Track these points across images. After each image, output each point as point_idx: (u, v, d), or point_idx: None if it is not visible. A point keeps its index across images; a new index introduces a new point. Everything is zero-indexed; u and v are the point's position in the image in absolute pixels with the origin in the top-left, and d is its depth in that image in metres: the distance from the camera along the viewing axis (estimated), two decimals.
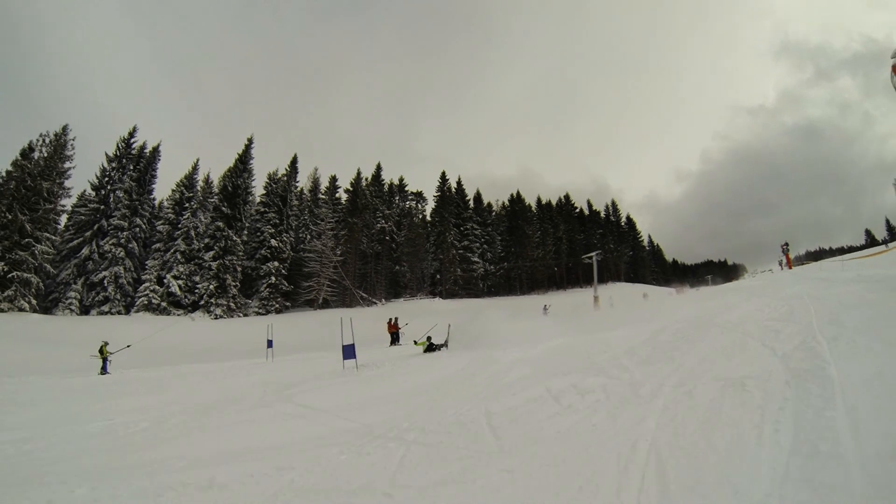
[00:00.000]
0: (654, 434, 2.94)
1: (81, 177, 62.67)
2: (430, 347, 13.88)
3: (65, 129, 37.05)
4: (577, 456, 2.84)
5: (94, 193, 39.37)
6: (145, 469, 4.07)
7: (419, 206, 60.00)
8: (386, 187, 57.39)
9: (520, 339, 12.13)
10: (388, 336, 19.16)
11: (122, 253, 38.03)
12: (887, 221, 76.69)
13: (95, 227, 37.90)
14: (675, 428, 3.00)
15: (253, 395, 8.09)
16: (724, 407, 3.23)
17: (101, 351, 15.47)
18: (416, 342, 14.57)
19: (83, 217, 38.11)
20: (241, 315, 40.02)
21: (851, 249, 79.46)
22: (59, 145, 36.13)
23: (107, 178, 40.02)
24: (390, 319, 19.83)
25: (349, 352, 10.72)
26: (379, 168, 57.23)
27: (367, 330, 24.09)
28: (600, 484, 2.36)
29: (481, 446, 3.47)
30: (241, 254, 41.94)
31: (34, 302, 32.51)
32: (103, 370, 15.07)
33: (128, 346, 17.62)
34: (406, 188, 59.73)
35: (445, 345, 14.47)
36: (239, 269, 41.17)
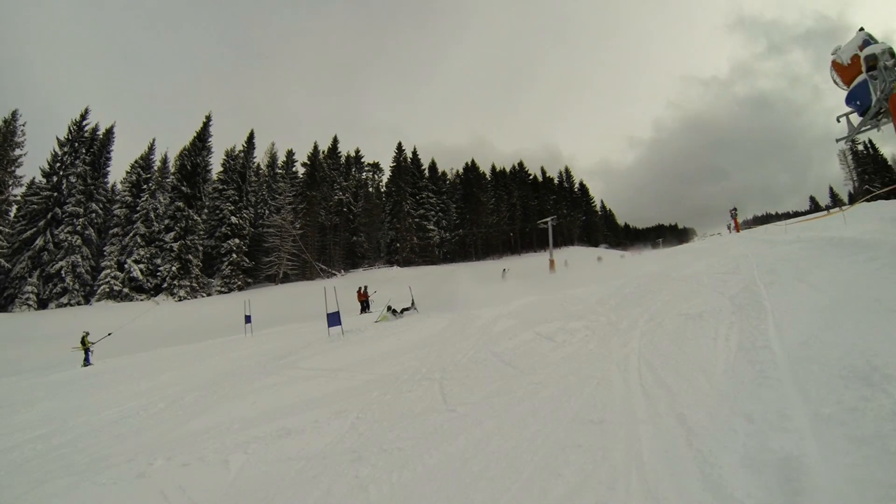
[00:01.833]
0: (639, 349, 4.05)
1: (31, 165, 58.57)
2: (395, 312, 14.52)
3: (14, 114, 35.26)
4: (586, 369, 3.89)
5: (45, 180, 37.71)
6: (205, 435, 4.30)
7: (376, 176, 60.86)
8: (343, 159, 58.04)
9: (489, 300, 13.16)
10: (358, 305, 19.95)
11: (79, 241, 36.92)
12: (831, 189, 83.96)
13: (49, 215, 36.43)
14: (654, 345, 4.12)
15: (252, 367, 8.45)
16: (688, 330, 4.37)
17: (82, 342, 15.40)
18: (376, 322, 14.16)
19: (35, 206, 36.39)
20: (204, 295, 40.07)
21: (797, 214, 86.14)
22: (9, 132, 34.45)
23: (59, 164, 38.39)
24: (360, 288, 20.65)
25: (334, 319, 11.35)
26: (336, 141, 58.08)
27: (330, 300, 24.75)
28: (611, 380, 3.41)
29: (503, 373, 4.44)
30: (201, 233, 41.51)
31: None
32: (86, 362, 15.05)
33: (109, 335, 17.68)
34: (362, 160, 60.53)
35: (414, 307, 15.33)
36: (200, 248, 40.76)
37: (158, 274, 38.87)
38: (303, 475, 2.84)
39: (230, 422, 4.64)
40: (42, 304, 34.69)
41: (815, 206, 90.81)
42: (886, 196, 8.95)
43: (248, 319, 17.68)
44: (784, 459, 1.76)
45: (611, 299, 8.12)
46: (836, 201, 75.56)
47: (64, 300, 35.22)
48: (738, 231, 39.23)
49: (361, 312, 19.16)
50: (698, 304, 5.66)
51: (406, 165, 62.05)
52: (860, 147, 61.44)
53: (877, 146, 60.55)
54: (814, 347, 2.89)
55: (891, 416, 1.82)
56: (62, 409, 7.53)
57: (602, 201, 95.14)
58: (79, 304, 35.53)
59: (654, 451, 2.15)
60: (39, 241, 35.62)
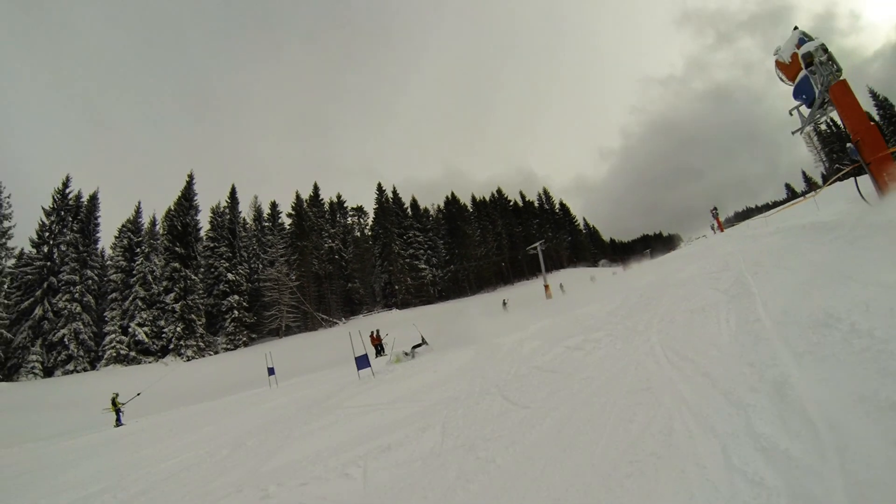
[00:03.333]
0: (659, 341, 5.05)
1: (19, 236, 59.73)
2: (405, 353, 15.19)
3: None
4: (621, 361, 4.86)
5: (35, 251, 38.89)
6: (300, 464, 4.61)
7: (361, 220, 62.29)
8: (326, 206, 59.48)
9: (502, 330, 13.85)
10: (373, 349, 20.75)
11: (78, 308, 38.15)
12: (804, 173, 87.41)
13: (45, 284, 37.61)
14: (670, 336, 5.12)
15: (297, 411, 8.74)
16: (695, 321, 5.38)
17: (113, 403, 15.97)
18: (389, 363, 14.56)
19: (30, 276, 37.55)
20: (211, 353, 41.01)
21: (776, 204, 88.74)
22: None
23: (48, 233, 39.69)
24: (372, 332, 21.54)
25: (363, 362, 12.05)
26: (317, 188, 60.32)
27: (341, 348, 25.53)
28: (645, 364, 4.39)
29: (552, 378, 5.33)
30: (200, 292, 42.38)
31: None
32: (118, 422, 15.57)
33: (138, 395, 18.30)
34: (345, 205, 62.10)
35: (425, 342, 16.03)
36: (202, 307, 41.55)
37: (163, 336, 40.19)
38: (428, 468, 3.62)
39: (317, 452, 5.00)
40: (48, 373, 35.40)
41: (791, 194, 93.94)
42: (857, 172, 10.21)
43: (271, 371, 18.41)
44: (775, 381, 2.76)
45: (620, 311, 9.04)
46: (810, 185, 78.46)
47: (69, 367, 36.01)
48: (721, 230, 40.55)
49: (377, 356, 19.94)
50: (699, 300, 6.66)
51: (389, 206, 63.95)
52: (823, 127, 64.67)
53: (839, 124, 63.72)
54: (791, 313, 3.93)
55: (840, 342, 2.84)
56: (113, 465, 7.82)
57: (584, 219, 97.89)
58: (85, 370, 36.32)
59: (692, 394, 3.13)
60: (38, 311, 36.72)
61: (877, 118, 68.50)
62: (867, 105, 69.93)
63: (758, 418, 2.41)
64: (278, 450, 5.65)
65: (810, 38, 10.38)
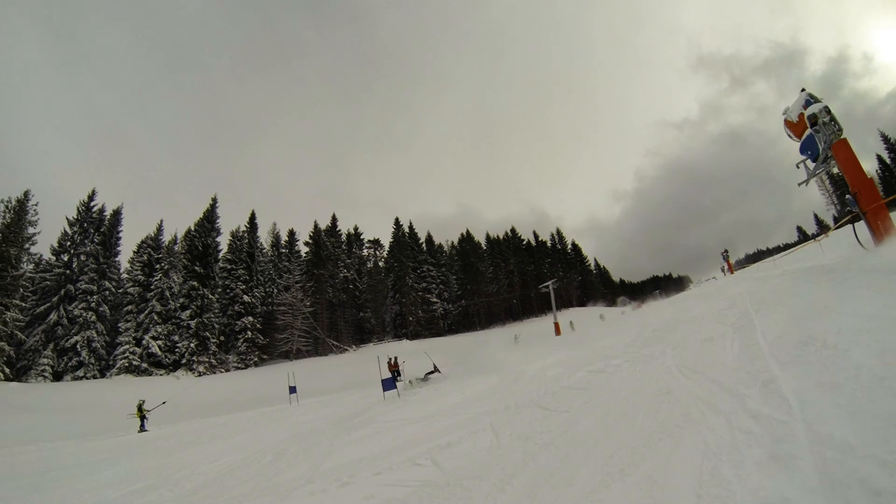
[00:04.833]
0: (674, 363, 5.98)
1: (41, 243, 61.42)
2: (419, 379, 16.03)
3: (26, 194, 38.61)
4: (643, 380, 5.77)
5: (54, 258, 40.73)
6: (362, 463, 5.01)
7: (376, 252, 63.77)
8: (343, 237, 60.99)
9: (520, 361, 14.55)
10: (389, 374, 21.50)
11: (94, 317, 39.68)
12: (815, 216, 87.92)
13: (62, 291, 39.16)
14: (684, 359, 6.05)
15: (329, 425, 9.34)
16: (705, 348, 6.31)
17: (139, 409, 16.75)
18: (404, 389, 15.74)
19: (48, 282, 39.23)
20: (223, 370, 41.73)
21: (787, 247, 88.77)
22: (23, 211, 37.55)
23: (69, 243, 41.61)
24: (390, 359, 22.33)
25: (389, 384, 13.00)
26: (335, 219, 62.25)
27: (353, 373, 26.25)
28: (663, 379, 5.32)
29: (582, 393, 6.20)
30: (216, 311, 43.44)
31: (7, 371, 33.17)
32: (142, 428, 16.32)
33: (164, 403, 19.09)
34: (362, 236, 63.74)
35: (437, 370, 16.81)
36: (217, 326, 42.59)
37: (177, 350, 41.51)
38: (494, 455, 4.44)
39: (373, 454, 5.42)
40: (57, 377, 36.59)
41: (803, 236, 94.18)
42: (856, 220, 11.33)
43: (293, 390, 19.27)
44: (764, 380, 3.73)
45: (635, 343, 9.83)
46: (821, 227, 78.84)
47: (80, 373, 37.21)
48: (731, 273, 41.01)
49: (394, 381, 20.66)
50: (708, 332, 7.56)
51: (405, 240, 65.65)
52: (835, 170, 65.26)
53: None
54: (783, 338, 4.89)
55: (814, 353, 3.81)
56: (150, 466, 8.25)
57: (595, 259, 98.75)
58: (94, 377, 37.50)
59: (704, 393, 4.10)
60: (53, 316, 38.25)
61: (888, 160, 69.58)
62: (878, 148, 71.08)
63: (750, 401, 3.38)
64: (329, 454, 6.14)
65: (816, 100, 11.58)
